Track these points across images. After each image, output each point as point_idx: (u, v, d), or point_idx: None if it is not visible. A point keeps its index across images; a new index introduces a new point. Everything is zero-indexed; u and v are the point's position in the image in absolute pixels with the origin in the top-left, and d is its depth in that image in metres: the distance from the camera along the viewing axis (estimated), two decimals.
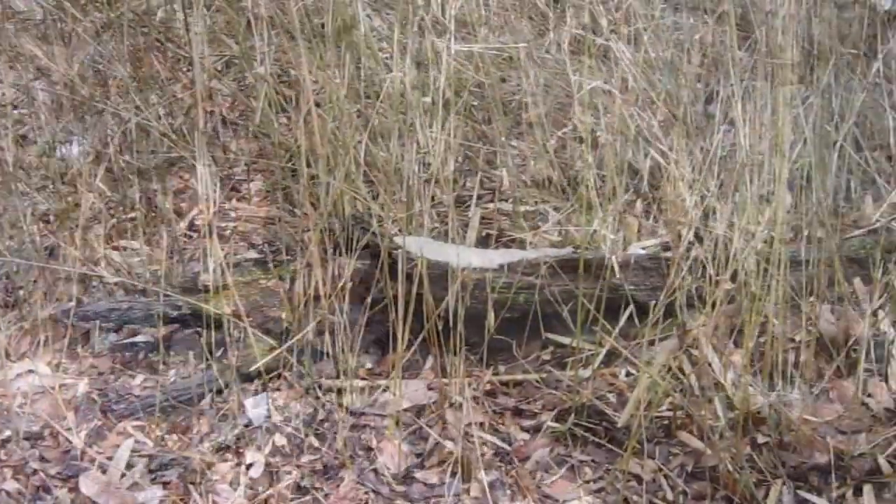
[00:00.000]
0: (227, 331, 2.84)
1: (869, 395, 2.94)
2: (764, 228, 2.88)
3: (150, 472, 2.77)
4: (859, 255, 3.18)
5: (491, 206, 3.71)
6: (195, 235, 3.43)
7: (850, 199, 3.58)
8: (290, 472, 2.76)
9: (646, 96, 3.25)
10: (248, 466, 2.76)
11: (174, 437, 2.87)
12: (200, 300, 2.88)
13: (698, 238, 2.87)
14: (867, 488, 2.69)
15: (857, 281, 3.20)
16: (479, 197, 3.75)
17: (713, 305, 2.73)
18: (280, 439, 2.85)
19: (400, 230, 2.93)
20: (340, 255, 2.83)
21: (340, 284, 2.80)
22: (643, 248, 3.18)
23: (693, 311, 2.90)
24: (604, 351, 3.02)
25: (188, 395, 2.91)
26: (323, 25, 3.09)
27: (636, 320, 2.90)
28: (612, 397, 2.95)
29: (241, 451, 2.81)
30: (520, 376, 3.03)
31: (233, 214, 3.58)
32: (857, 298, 3.16)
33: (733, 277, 2.79)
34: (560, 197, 3.52)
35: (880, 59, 3.04)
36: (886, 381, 2.98)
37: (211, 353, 2.83)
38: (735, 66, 2.82)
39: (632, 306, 2.95)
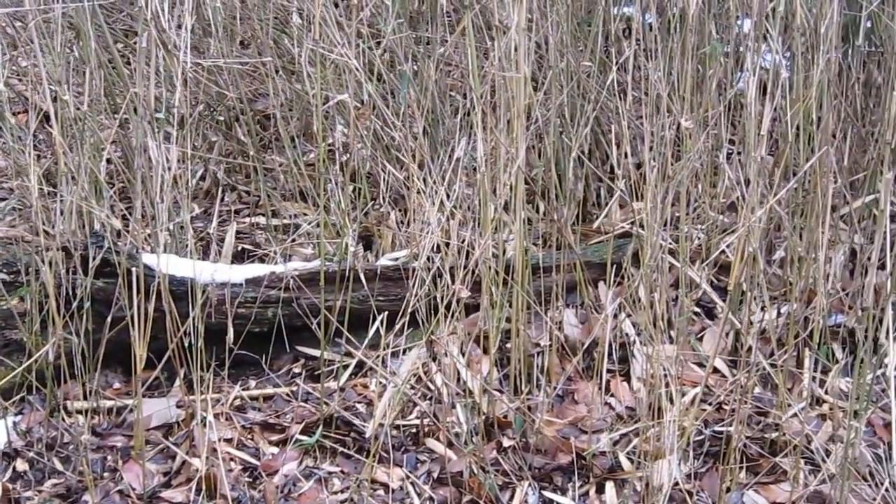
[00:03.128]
0: None
1: (611, 395, 3.04)
2: (511, 237, 2.94)
3: None
4: (602, 261, 3.28)
5: (248, 220, 3.71)
6: None
7: (599, 206, 3.70)
8: (31, 498, 2.69)
9: (387, 109, 3.28)
10: None
11: None
12: None
13: (447, 247, 2.91)
14: (609, 485, 2.78)
15: (600, 285, 3.31)
16: (238, 211, 3.75)
17: (448, 308, 2.78)
18: (21, 464, 2.78)
19: (143, 247, 2.89)
20: (76, 273, 2.77)
21: (76, 303, 2.74)
22: (393, 259, 3.22)
23: (439, 321, 2.94)
24: (353, 362, 3.05)
25: None
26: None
27: (382, 331, 2.93)
28: (362, 408, 2.97)
29: None
30: (269, 390, 3.03)
31: None
32: (600, 302, 3.26)
33: (476, 286, 2.85)
34: (314, 210, 3.53)
35: (614, 69, 3.14)
36: (629, 380, 3.08)
37: None
38: (475, 78, 2.87)
39: (380, 317, 2.97)
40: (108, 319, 2.77)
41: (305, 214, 3.60)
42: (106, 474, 2.78)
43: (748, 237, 2.64)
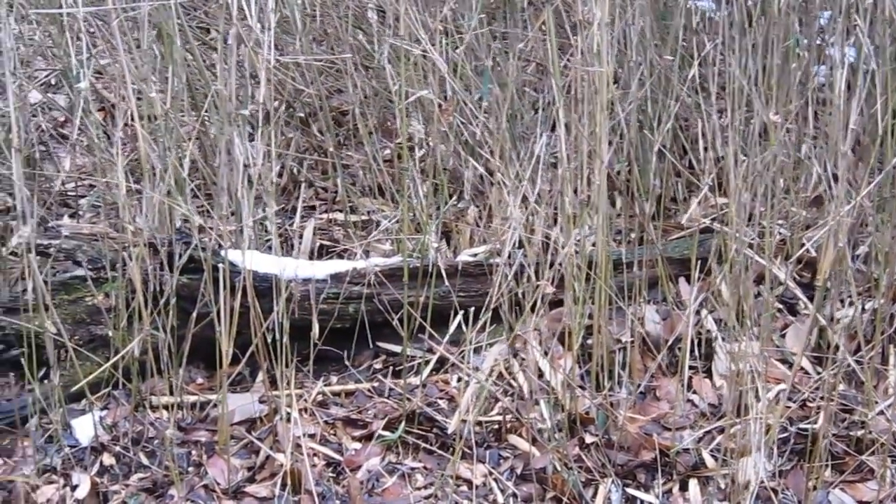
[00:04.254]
0: (51, 350, 2.78)
1: (694, 392, 3.01)
2: (589, 232, 2.93)
3: None
4: (683, 256, 3.26)
5: (325, 216, 3.72)
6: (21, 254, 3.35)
7: (676, 202, 3.67)
8: (118, 492, 2.72)
9: (470, 105, 3.28)
10: (74, 488, 2.71)
11: None
12: (23, 320, 2.82)
13: (529, 243, 2.90)
14: (692, 482, 2.76)
15: (681, 281, 3.28)
16: (314, 207, 3.76)
17: (533, 308, 2.77)
18: (108, 459, 2.81)
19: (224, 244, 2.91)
20: (163, 269, 2.80)
21: (164, 300, 2.77)
22: (473, 255, 3.21)
23: (521, 316, 2.93)
24: (434, 358, 3.05)
25: (12, 417, 2.83)
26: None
27: (464, 327, 2.93)
28: (443, 404, 2.97)
29: (67, 472, 2.75)
30: (351, 386, 3.04)
31: (62, 232, 3.51)
32: (681, 298, 3.24)
33: (558, 281, 2.84)
34: (392, 206, 3.54)
35: (696, 64, 3.11)
36: (710, 377, 3.06)
37: (34, 373, 2.77)
38: (556, 73, 2.86)
39: (461, 313, 2.97)
40: (193, 315, 2.79)
41: (383, 210, 3.60)
42: (191, 469, 2.80)
43: (837, 232, 2.61)
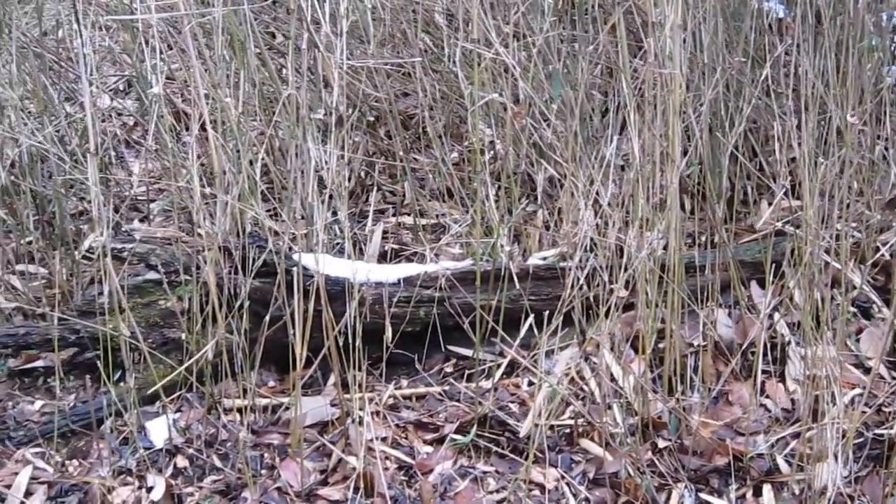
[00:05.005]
0: (126, 353, 2.81)
1: (767, 397, 2.99)
2: (660, 235, 2.91)
3: (50, 499, 2.73)
4: (755, 260, 3.24)
5: (393, 219, 3.73)
6: (94, 258, 3.39)
7: (746, 204, 3.64)
8: (192, 494, 2.73)
9: (540, 108, 3.27)
10: (150, 489, 2.73)
11: (74, 462, 2.84)
12: (98, 323, 2.85)
13: (597, 246, 2.89)
14: (766, 488, 2.73)
15: (753, 284, 3.26)
16: (382, 211, 3.77)
17: (607, 313, 2.76)
18: (182, 461, 2.83)
19: (295, 247, 2.93)
20: (237, 273, 2.81)
21: (238, 303, 2.78)
22: (543, 259, 3.20)
23: (592, 320, 2.92)
24: (505, 362, 3.05)
25: (88, 419, 2.87)
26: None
27: (535, 330, 2.93)
28: (514, 407, 2.97)
29: (142, 474, 2.78)
30: (422, 389, 3.04)
31: (135, 236, 3.55)
32: (753, 302, 3.21)
33: (629, 285, 2.82)
34: (461, 209, 3.54)
35: (768, 65, 3.09)
36: (784, 382, 3.03)
37: (109, 376, 2.79)
38: (627, 75, 2.85)
39: (531, 316, 2.96)
40: (266, 319, 2.80)
41: (452, 214, 3.60)
42: (263, 471, 2.81)
43: None
